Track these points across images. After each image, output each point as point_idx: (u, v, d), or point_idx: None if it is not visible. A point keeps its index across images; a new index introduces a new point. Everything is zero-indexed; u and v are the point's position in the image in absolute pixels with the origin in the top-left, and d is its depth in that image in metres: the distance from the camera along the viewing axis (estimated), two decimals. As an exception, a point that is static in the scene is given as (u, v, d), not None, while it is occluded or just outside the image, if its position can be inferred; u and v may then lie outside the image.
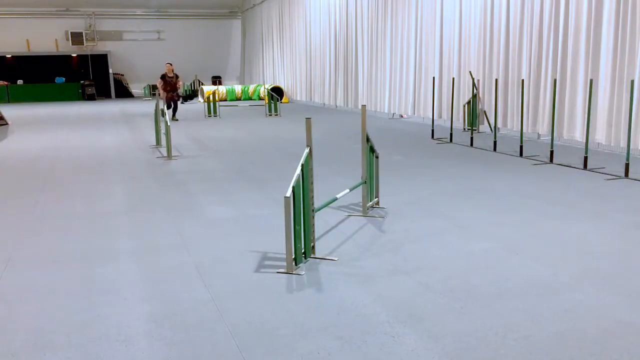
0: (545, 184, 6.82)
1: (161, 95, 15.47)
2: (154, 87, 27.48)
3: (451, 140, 10.48)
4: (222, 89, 23.45)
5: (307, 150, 4.21)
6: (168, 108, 15.25)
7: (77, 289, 3.88)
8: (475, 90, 11.48)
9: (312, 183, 4.26)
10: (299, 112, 17.90)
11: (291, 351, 2.96)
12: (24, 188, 7.28)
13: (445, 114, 12.96)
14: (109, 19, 28.90)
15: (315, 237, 4.51)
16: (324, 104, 20.31)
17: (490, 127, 11.27)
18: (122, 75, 29.16)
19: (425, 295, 3.62)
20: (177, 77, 15.78)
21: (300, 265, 4.20)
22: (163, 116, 10.64)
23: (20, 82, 26.78)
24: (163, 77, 15.61)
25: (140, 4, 28.78)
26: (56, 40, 28.13)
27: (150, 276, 4.09)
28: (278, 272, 4.08)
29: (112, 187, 7.26)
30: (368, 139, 5.34)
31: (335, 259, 4.34)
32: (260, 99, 23.28)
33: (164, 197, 6.60)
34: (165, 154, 9.64)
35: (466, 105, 11.79)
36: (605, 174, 7.30)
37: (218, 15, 30.73)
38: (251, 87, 24.06)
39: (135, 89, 29.30)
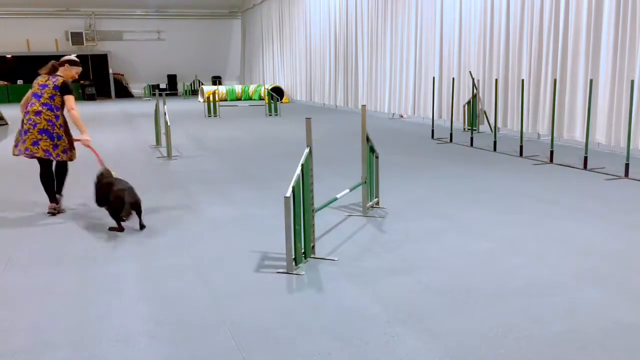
0: (545, 184, 6.82)
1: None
2: (154, 87, 27.51)
3: (451, 140, 10.48)
4: (222, 89, 23.45)
5: (307, 150, 4.21)
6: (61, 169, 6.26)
7: (77, 289, 3.88)
8: (475, 90, 11.48)
9: (312, 183, 4.26)
10: (299, 112, 17.90)
11: (291, 351, 2.96)
12: (23, 188, 7.27)
13: (445, 114, 12.96)
14: (109, 19, 28.88)
15: (315, 237, 4.51)
16: (324, 104, 20.30)
17: (490, 127, 11.26)
18: (122, 75, 29.15)
19: (425, 295, 3.62)
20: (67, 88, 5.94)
21: (300, 265, 4.20)
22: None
23: (20, 82, 26.77)
24: (65, 87, 5.88)
25: (140, 4, 28.76)
26: (56, 40, 28.11)
27: (150, 276, 4.09)
28: (278, 272, 4.08)
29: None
30: (368, 139, 5.34)
31: (335, 259, 4.34)
32: (261, 98, 23.27)
33: (164, 197, 6.59)
34: (165, 153, 9.64)
35: (466, 105, 11.78)
36: (605, 174, 7.30)
37: (218, 15, 30.72)
38: (251, 87, 24.05)
39: (135, 89, 29.29)
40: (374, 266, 4.18)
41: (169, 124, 9.38)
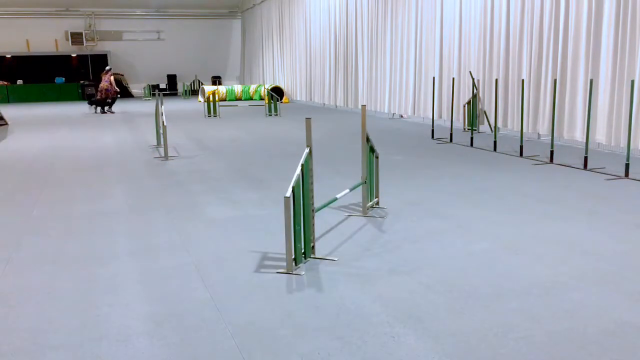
0: (545, 184, 6.82)
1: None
2: (154, 87, 27.50)
3: (451, 140, 10.48)
4: (222, 89, 23.44)
5: (307, 150, 4.21)
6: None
7: (77, 289, 3.88)
8: (475, 90, 11.48)
9: (312, 183, 4.26)
10: (299, 112, 17.90)
11: (291, 351, 2.96)
12: (23, 188, 7.27)
13: (445, 114, 12.96)
14: (109, 19, 28.89)
15: (315, 237, 4.51)
16: (324, 104, 20.30)
17: (490, 127, 11.26)
18: (122, 75, 29.15)
19: (425, 295, 3.62)
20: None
21: (300, 265, 4.20)
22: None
23: (20, 82, 26.76)
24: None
25: (140, 4, 28.77)
26: (56, 40, 28.11)
27: (150, 276, 4.09)
28: (278, 272, 4.08)
29: (111, 187, 7.25)
30: (368, 139, 5.34)
31: (335, 259, 4.34)
32: (261, 98, 23.28)
33: (163, 197, 6.60)
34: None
35: (466, 105, 11.78)
36: (605, 174, 7.30)
37: (218, 15, 30.72)
38: (252, 87, 24.06)
39: (135, 89, 29.29)
40: (374, 266, 4.18)
41: (165, 124, 9.38)
